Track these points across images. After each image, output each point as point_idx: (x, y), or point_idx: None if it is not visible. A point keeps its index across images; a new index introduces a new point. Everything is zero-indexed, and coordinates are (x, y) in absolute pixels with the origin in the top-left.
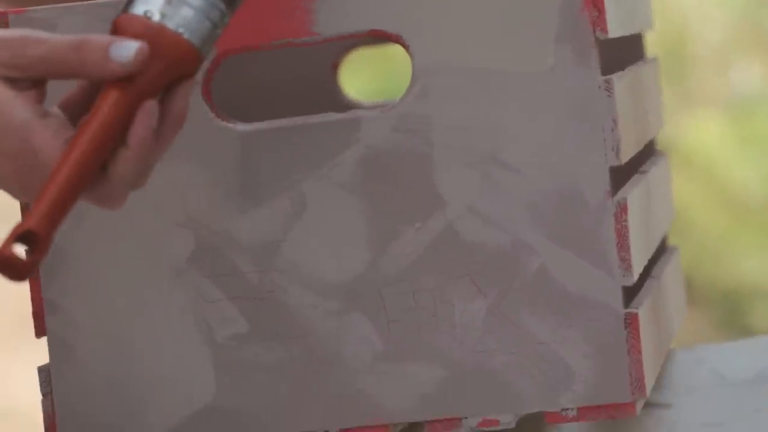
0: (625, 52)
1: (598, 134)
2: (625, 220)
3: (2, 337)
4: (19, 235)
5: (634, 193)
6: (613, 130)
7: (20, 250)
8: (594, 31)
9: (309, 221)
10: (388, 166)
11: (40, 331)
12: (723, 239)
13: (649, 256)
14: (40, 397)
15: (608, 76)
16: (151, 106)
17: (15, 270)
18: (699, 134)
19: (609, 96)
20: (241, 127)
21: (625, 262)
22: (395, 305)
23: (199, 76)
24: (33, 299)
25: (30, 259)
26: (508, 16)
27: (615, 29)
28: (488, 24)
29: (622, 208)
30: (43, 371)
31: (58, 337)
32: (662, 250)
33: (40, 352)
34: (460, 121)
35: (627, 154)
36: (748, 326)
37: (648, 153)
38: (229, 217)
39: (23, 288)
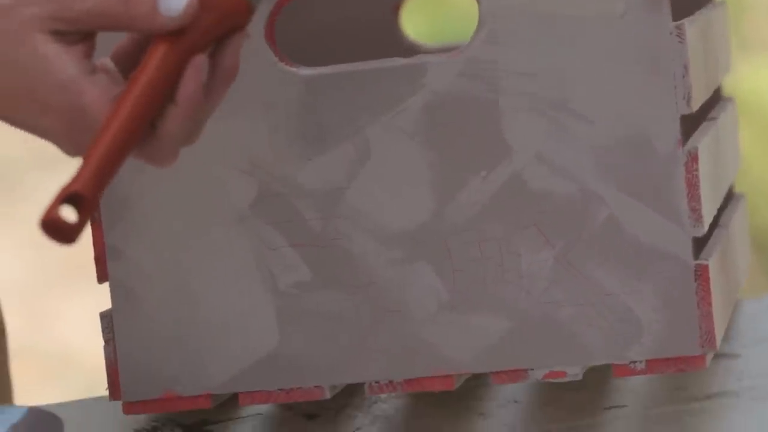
0: None
1: (669, 82)
2: (696, 170)
3: (54, 281)
4: (66, 196)
5: (704, 141)
6: (684, 78)
7: (67, 211)
8: None
9: (373, 168)
10: (454, 113)
11: (102, 277)
12: None
13: (718, 206)
14: (93, 341)
15: (679, 22)
16: (200, 61)
17: (62, 233)
18: (755, 81)
19: (680, 42)
20: (305, 71)
21: (696, 213)
22: (461, 255)
23: (259, 23)
24: (95, 244)
25: (77, 221)
26: None
27: None
28: None
29: (692, 158)
30: (105, 317)
31: (120, 283)
32: (729, 197)
33: (92, 295)
34: (527, 67)
35: (698, 102)
36: None
37: (716, 99)
38: (292, 164)
39: None
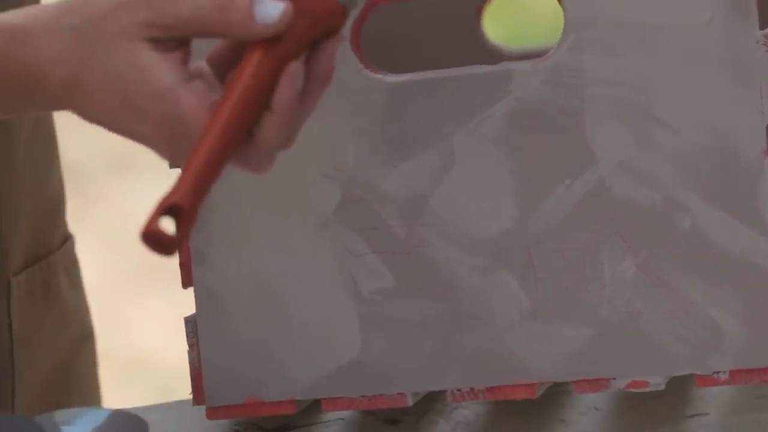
0: None
1: (755, 91)
2: None
3: (128, 283)
4: (166, 208)
5: None
6: None
7: (167, 223)
8: None
9: (457, 175)
10: (539, 120)
11: (186, 282)
12: None
13: None
14: (167, 344)
15: (767, 31)
16: (295, 68)
17: (162, 245)
18: None
19: (767, 52)
20: (391, 78)
21: None
22: (543, 263)
23: (346, 29)
24: (181, 249)
25: (177, 233)
26: None
27: None
28: None
29: None
30: (189, 322)
31: (205, 288)
32: None
33: (166, 298)
34: (613, 75)
35: None
36: None
37: None
38: (376, 170)
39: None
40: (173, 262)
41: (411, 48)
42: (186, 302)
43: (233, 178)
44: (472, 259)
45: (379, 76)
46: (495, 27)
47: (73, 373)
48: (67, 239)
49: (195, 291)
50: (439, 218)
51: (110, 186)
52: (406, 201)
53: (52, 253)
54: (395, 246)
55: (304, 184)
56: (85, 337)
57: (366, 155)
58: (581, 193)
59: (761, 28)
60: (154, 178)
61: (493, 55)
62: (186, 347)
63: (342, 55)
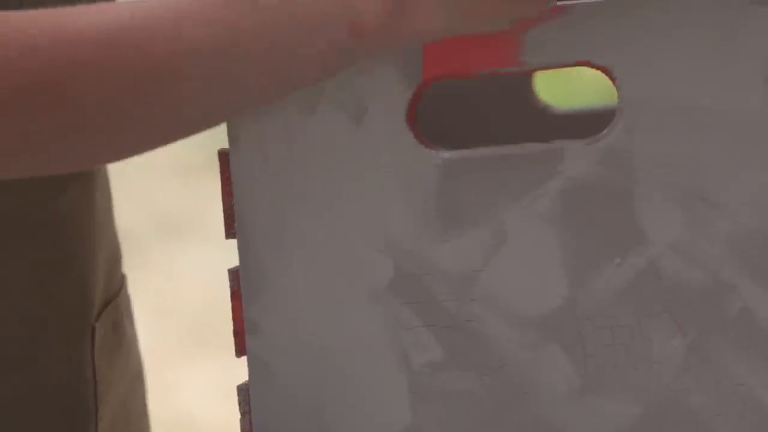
0: None
1: None
2: None
3: (176, 349)
4: None
5: None
6: None
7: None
8: None
9: (508, 252)
10: (590, 200)
11: (240, 350)
12: None
13: None
14: (214, 409)
15: None
16: None
17: None
18: None
19: None
20: (444, 154)
21: None
22: (593, 340)
23: (401, 105)
24: (234, 318)
25: None
26: (717, 54)
27: None
28: (697, 60)
29: None
30: (242, 390)
31: (257, 357)
32: None
33: (213, 363)
34: (665, 157)
35: None
36: None
37: None
38: (429, 245)
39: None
40: (220, 328)
41: (466, 122)
42: (231, 368)
43: (287, 250)
44: (522, 335)
45: (432, 151)
46: (545, 88)
47: (130, 410)
48: (123, 278)
49: (248, 360)
50: (489, 294)
51: (157, 251)
52: (458, 276)
53: (117, 294)
54: (446, 320)
55: (358, 258)
56: (139, 373)
57: (419, 230)
58: (631, 272)
59: None
60: (201, 242)
61: (544, 115)
62: (237, 414)
63: (396, 129)
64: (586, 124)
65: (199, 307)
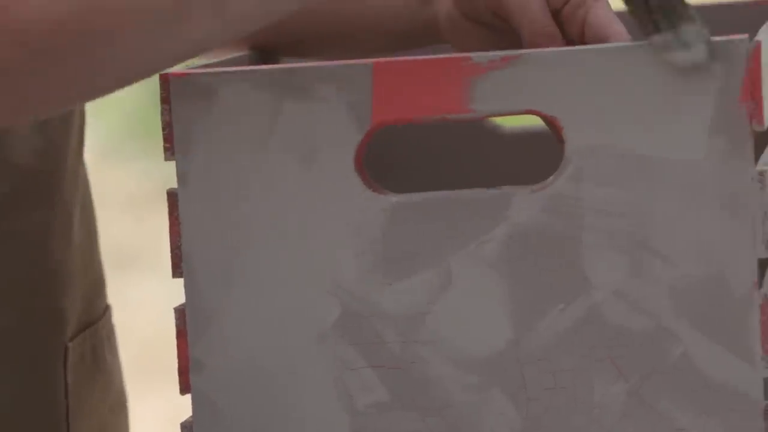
0: None
1: (748, 226)
2: None
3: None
4: None
5: None
6: (763, 222)
7: None
8: (750, 123)
9: (454, 295)
10: (536, 246)
11: (184, 389)
12: None
13: None
14: None
15: (762, 168)
16: None
17: None
18: None
19: (762, 188)
20: (392, 198)
21: None
22: (535, 384)
23: (349, 151)
24: (179, 357)
25: None
26: (663, 104)
27: None
28: (644, 110)
29: (767, 301)
30: (186, 427)
31: (202, 396)
32: None
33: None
34: (611, 205)
35: None
36: None
37: None
38: (375, 287)
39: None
40: (170, 362)
41: (414, 167)
42: (180, 402)
43: (234, 290)
44: (466, 377)
45: (380, 195)
46: None
47: None
48: (107, 309)
49: (192, 398)
50: (434, 336)
51: (109, 283)
52: (403, 318)
53: (97, 321)
54: (391, 361)
55: (304, 298)
56: (121, 404)
57: (366, 272)
58: (574, 318)
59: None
60: (153, 275)
61: (492, 135)
62: None
63: (345, 173)
64: (538, 143)
65: (149, 340)
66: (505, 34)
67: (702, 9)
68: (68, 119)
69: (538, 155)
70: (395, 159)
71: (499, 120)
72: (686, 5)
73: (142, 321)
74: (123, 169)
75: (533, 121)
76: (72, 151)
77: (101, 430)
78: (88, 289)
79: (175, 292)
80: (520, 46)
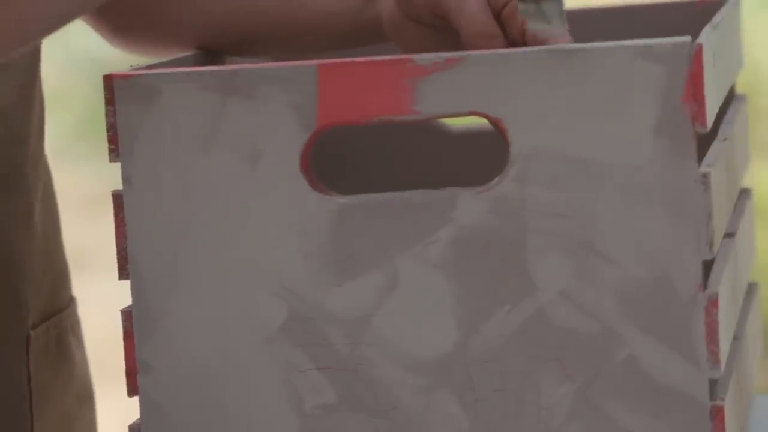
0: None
1: (692, 228)
2: (716, 314)
3: None
4: None
5: (724, 283)
6: (707, 224)
7: None
8: (693, 126)
9: (401, 297)
10: (481, 247)
11: (132, 390)
12: None
13: (731, 339)
14: None
15: (705, 170)
16: None
17: None
18: (761, 180)
19: (705, 190)
20: (339, 199)
21: (714, 356)
22: (482, 385)
23: (295, 152)
24: (127, 359)
25: None
26: (607, 106)
27: (713, 114)
28: (588, 113)
29: (712, 303)
30: (133, 429)
31: (149, 398)
32: (747, 293)
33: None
34: (556, 207)
35: (718, 244)
36: None
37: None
38: (322, 288)
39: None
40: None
41: (361, 168)
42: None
43: (181, 291)
44: (413, 379)
45: (327, 197)
46: None
47: (74, 430)
48: (72, 300)
49: (140, 400)
50: (381, 338)
51: None
52: (350, 320)
53: (62, 311)
54: (338, 363)
55: (252, 300)
56: (87, 395)
57: (313, 274)
58: (521, 320)
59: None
60: (105, 276)
61: (437, 133)
62: None
63: (291, 175)
64: (486, 142)
65: (101, 341)
66: (448, 33)
67: (646, 9)
68: (28, 106)
69: (486, 154)
70: (343, 160)
71: (447, 119)
72: None
73: (95, 322)
74: (74, 170)
75: (481, 120)
76: (33, 139)
77: (66, 419)
78: (52, 278)
79: (129, 293)
80: (464, 47)
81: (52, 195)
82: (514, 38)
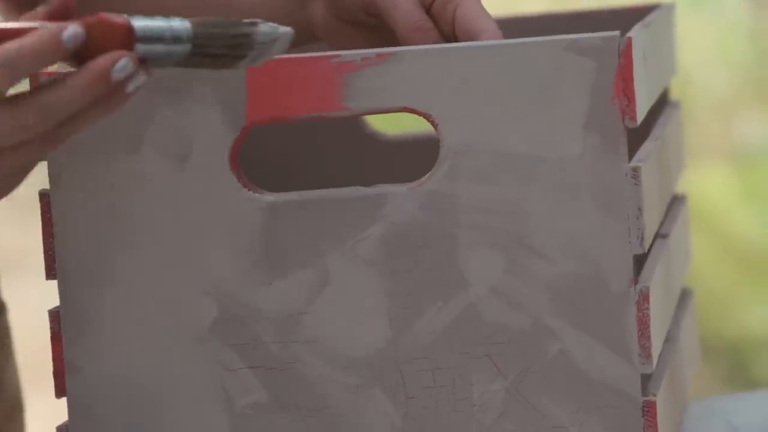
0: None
1: (623, 222)
2: (647, 309)
3: None
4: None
5: (656, 279)
6: (638, 218)
7: None
8: (623, 120)
9: (331, 295)
10: (413, 244)
11: (60, 392)
12: (728, 291)
13: (665, 336)
14: None
15: (635, 164)
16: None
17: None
18: (703, 186)
19: (636, 185)
20: (269, 197)
21: (645, 351)
22: (414, 382)
23: (224, 149)
24: (54, 360)
25: None
26: (537, 101)
27: (643, 111)
28: (518, 108)
29: (644, 297)
30: (61, 430)
31: (78, 399)
32: (681, 298)
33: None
34: (487, 202)
35: (649, 239)
36: (754, 378)
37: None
38: (253, 287)
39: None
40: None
41: (293, 167)
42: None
43: (110, 291)
44: (345, 377)
45: (257, 194)
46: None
47: None
48: (1, 308)
49: (68, 401)
50: (312, 336)
51: None
52: (281, 318)
53: None
54: (269, 362)
55: (182, 300)
56: (17, 408)
57: (243, 273)
58: (452, 316)
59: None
60: (35, 278)
61: (371, 141)
62: None
63: (219, 173)
64: (417, 149)
65: (34, 344)
66: (379, 32)
67: (579, 16)
68: None
69: (417, 158)
70: (272, 159)
71: (380, 125)
72: (220, 34)
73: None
74: None
75: (414, 126)
76: None
77: None
78: None
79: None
80: (397, 45)
81: None
82: (445, 33)
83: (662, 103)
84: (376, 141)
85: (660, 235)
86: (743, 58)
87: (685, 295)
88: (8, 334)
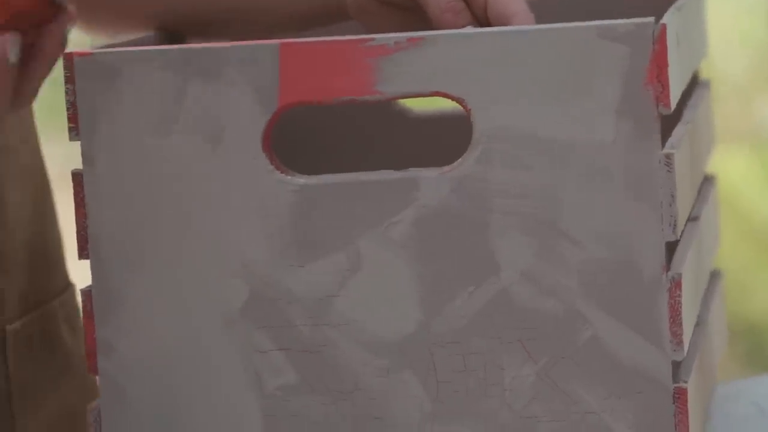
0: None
1: (656, 209)
2: (679, 296)
3: None
4: None
5: (687, 265)
6: (671, 206)
7: None
8: (657, 106)
9: (363, 278)
10: (445, 228)
11: (92, 370)
12: (747, 272)
13: (695, 321)
14: None
15: (669, 151)
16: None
17: None
18: (723, 168)
19: (669, 171)
20: (300, 180)
21: (677, 338)
22: (445, 366)
23: (257, 131)
24: (87, 338)
25: None
26: (570, 87)
27: (677, 96)
28: (551, 93)
29: (676, 284)
30: (93, 410)
31: (109, 378)
32: (711, 279)
33: None
34: (519, 187)
35: (681, 226)
36: None
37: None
38: (284, 269)
39: None
40: None
41: (325, 149)
42: None
43: (143, 272)
44: (376, 360)
45: (288, 177)
46: None
47: (80, 422)
48: (68, 287)
49: (100, 381)
50: (344, 319)
51: None
52: (312, 301)
53: (50, 300)
54: (300, 344)
55: (213, 281)
56: (89, 387)
57: (275, 255)
58: (483, 300)
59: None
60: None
61: (401, 116)
62: None
63: (252, 154)
64: (448, 126)
65: None
66: (414, 12)
67: None
68: None
69: (450, 137)
70: (305, 141)
71: (410, 103)
72: None
73: None
74: None
75: (444, 104)
76: (5, 128)
77: (64, 413)
78: (35, 267)
79: (80, 275)
80: (430, 26)
81: (38, 181)
82: (477, 15)
83: (692, 85)
84: (405, 117)
85: (691, 219)
86: (762, 40)
87: (714, 277)
88: (77, 314)
